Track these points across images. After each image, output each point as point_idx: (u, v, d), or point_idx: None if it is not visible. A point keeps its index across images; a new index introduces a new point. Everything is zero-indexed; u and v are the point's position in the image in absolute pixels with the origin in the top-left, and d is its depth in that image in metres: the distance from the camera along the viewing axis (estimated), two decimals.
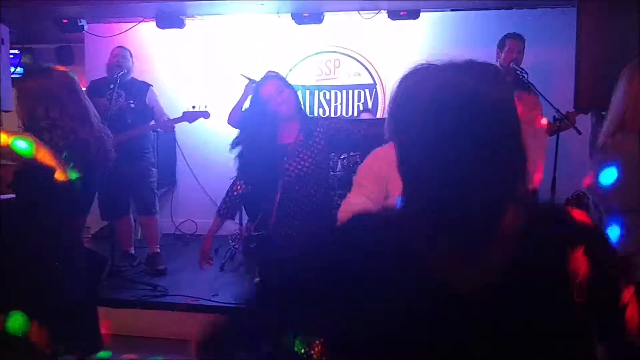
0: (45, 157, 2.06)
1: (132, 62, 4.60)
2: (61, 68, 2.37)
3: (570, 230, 0.94)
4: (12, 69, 4.51)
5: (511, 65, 4.02)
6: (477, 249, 0.89)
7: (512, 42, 4.11)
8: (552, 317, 0.87)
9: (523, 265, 0.88)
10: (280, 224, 2.76)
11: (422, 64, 0.95)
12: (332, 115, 5.76)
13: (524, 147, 0.91)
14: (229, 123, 4.32)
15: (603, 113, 4.09)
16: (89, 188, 2.31)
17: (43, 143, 2.07)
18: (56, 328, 2.13)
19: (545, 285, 0.88)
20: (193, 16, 5.53)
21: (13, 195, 2.23)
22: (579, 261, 0.89)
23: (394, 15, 5.07)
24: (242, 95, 4.30)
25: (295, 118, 2.77)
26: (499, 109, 0.88)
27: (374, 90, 5.76)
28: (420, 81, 0.93)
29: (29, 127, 2.13)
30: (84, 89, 5.13)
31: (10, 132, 2.07)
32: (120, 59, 4.48)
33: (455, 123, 0.85)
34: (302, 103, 2.89)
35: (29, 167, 2.12)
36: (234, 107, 4.30)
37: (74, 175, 2.13)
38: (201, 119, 4.46)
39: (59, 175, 2.10)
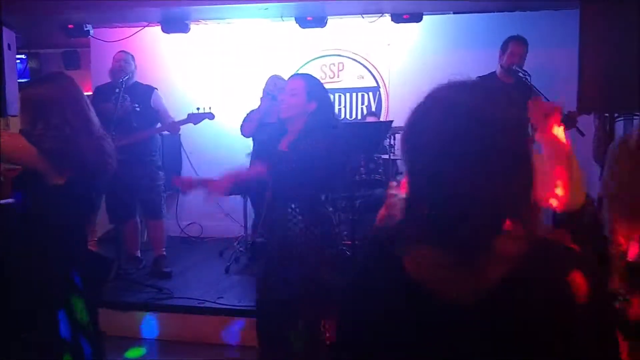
0: (41, 163, 2.07)
1: (135, 66, 4.63)
2: (67, 75, 2.37)
3: (563, 254, 0.96)
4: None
5: (514, 67, 4.03)
6: (472, 263, 0.91)
7: (515, 45, 4.12)
8: (542, 332, 0.88)
9: (516, 281, 0.90)
10: (268, 235, 2.74)
11: (437, 87, 0.99)
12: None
13: (531, 170, 0.94)
14: (242, 134, 4.39)
15: (606, 115, 4.12)
16: (89, 197, 2.27)
17: (41, 149, 2.07)
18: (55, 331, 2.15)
19: (536, 301, 0.89)
20: (198, 20, 5.56)
21: (12, 200, 2.26)
22: (569, 285, 0.90)
23: (397, 18, 5.09)
24: (259, 107, 4.36)
25: (298, 120, 2.64)
26: (506, 133, 0.92)
27: (378, 92, 5.78)
28: (431, 105, 0.98)
29: (30, 133, 2.14)
30: (89, 93, 5.19)
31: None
32: (122, 63, 4.52)
33: (462, 145, 0.90)
34: (321, 106, 2.64)
35: (28, 172, 2.13)
36: (249, 117, 4.36)
37: (71, 182, 2.12)
38: (206, 121, 4.50)
39: (56, 182, 2.10)
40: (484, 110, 0.92)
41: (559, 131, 1.87)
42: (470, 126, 0.90)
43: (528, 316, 0.87)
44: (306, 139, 2.57)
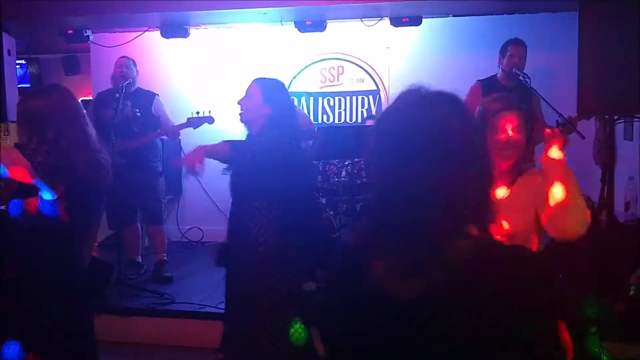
0: (36, 178, 2.06)
1: (137, 72, 4.64)
2: (65, 87, 2.33)
3: (513, 257, 1.00)
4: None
5: (514, 70, 4.03)
6: (423, 263, 0.96)
7: (514, 48, 4.13)
8: (488, 328, 0.91)
9: (466, 281, 0.94)
10: (230, 239, 2.76)
11: (398, 97, 1.07)
12: (337, 121, 5.79)
13: (488, 177, 1.01)
14: None
15: (607, 117, 4.12)
16: (85, 209, 2.26)
17: (36, 165, 2.06)
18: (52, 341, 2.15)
19: (484, 302, 0.92)
20: (197, 25, 5.57)
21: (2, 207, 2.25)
22: (516, 285, 0.94)
23: (396, 22, 5.08)
24: None
25: (255, 124, 2.67)
26: (460, 143, 0.98)
27: (378, 96, 5.78)
28: (393, 114, 1.05)
29: (25, 147, 2.12)
30: (89, 98, 5.17)
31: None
32: (124, 69, 4.53)
33: (419, 151, 0.96)
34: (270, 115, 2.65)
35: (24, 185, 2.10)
36: None
37: (66, 196, 2.11)
38: (206, 125, 4.50)
39: (46, 197, 2.08)
40: (438, 122, 0.98)
41: (554, 152, 1.94)
42: (425, 136, 0.96)
43: (476, 315, 0.91)
44: (260, 141, 2.61)
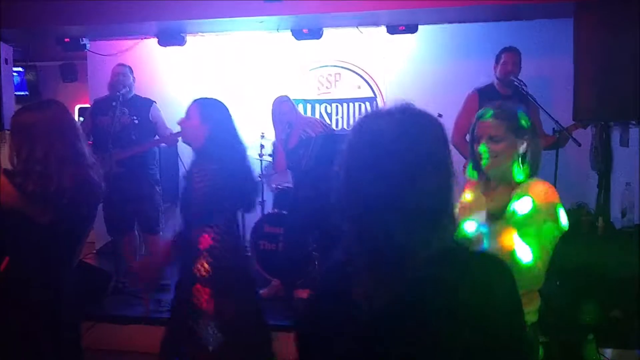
0: (25, 205, 2.03)
1: (133, 79, 4.65)
2: (59, 103, 2.29)
3: (474, 259, 1.05)
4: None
5: (510, 78, 4.04)
6: (393, 277, 0.99)
7: (507, 55, 4.15)
8: (456, 335, 0.94)
9: (434, 290, 0.97)
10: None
11: (360, 118, 1.12)
12: (334, 128, 5.79)
13: (448, 186, 1.04)
14: (276, 170, 4.50)
15: (603, 124, 4.13)
16: (73, 230, 2.23)
17: (25, 192, 2.02)
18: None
19: (452, 307, 0.95)
20: (194, 33, 5.58)
21: None
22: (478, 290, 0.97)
23: (392, 29, 5.10)
24: (275, 136, 4.43)
25: (196, 143, 2.69)
26: (427, 156, 1.01)
27: (375, 102, 5.80)
28: (358, 131, 1.09)
29: (14, 174, 2.06)
30: (87, 105, 5.16)
31: None
32: (120, 76, 4.53)
33: (381, 168, 1.00)
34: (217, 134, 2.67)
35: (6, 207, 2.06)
36: (276, 150, 4.44)
37: (56, 220, 2.09)
38: None
39: (37, 219, 2.06)
40: (398, 137, 1.01)
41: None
42: (386, 152, 1.00)
43: (438, 318, 0.95)
44: (202, 162, 2.62)
